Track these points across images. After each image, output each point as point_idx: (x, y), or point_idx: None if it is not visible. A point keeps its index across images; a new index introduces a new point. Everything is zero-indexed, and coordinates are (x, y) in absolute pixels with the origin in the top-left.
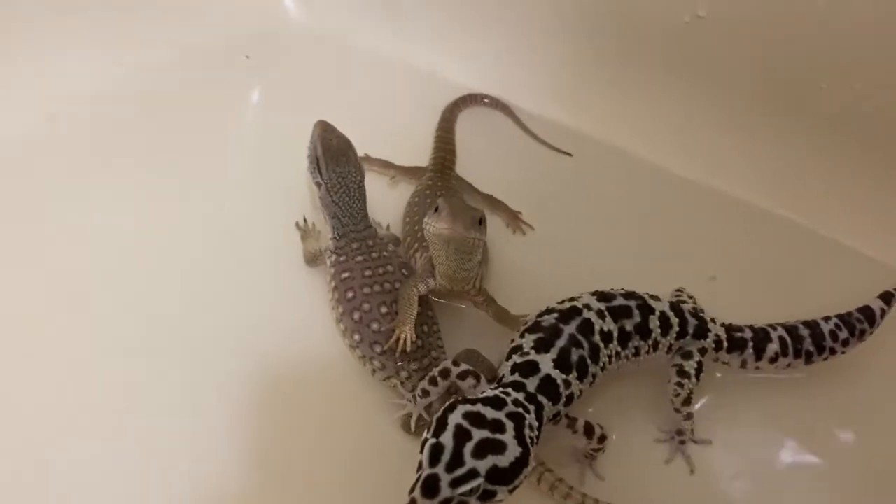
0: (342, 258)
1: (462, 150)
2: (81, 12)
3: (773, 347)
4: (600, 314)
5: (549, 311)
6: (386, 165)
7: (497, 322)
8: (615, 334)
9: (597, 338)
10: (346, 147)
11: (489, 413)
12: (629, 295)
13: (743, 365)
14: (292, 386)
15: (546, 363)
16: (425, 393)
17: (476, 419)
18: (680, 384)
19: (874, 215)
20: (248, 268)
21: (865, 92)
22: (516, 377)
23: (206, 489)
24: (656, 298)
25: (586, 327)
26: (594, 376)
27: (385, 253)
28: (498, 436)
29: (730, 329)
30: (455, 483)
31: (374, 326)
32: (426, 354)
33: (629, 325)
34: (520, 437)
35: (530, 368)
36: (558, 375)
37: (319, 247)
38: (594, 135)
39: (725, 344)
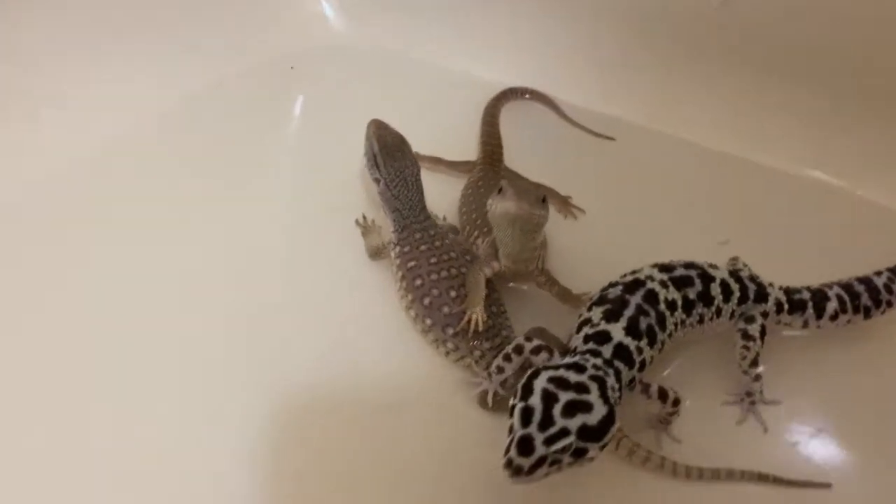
0: (406, 249)
1: (507, 143)
2: (137, 37)
3: (833, 305)
4: (663, 284)
5: (613, 284)
6: (436, 161)
7: (560, 301)
8: (679, 303)
9: (662, 306)
10: (400, 142)
11: (572, 377)
12: (689, 265)
13: (805, 325)
14: (370, 375)
15: (617, 331)
16: (500, 369)
17: (560, 383)
18: (746, 347)
19: None
20: (310, 268)
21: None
22: (591, 346)
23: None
24: (715, 267)
25: (651, 297)
26: (662, 343)
27: (447, 241)
28: (584, 396)
29: (788, 291)
30: (548, 441)
31: (445, 310)
32: (497, 334)
33: (692, 294)
34: (605, 398)
35: (603, 337)
36: (630, 342)
37: (381, 241)
38: (634, 120)
39: (786, 306)
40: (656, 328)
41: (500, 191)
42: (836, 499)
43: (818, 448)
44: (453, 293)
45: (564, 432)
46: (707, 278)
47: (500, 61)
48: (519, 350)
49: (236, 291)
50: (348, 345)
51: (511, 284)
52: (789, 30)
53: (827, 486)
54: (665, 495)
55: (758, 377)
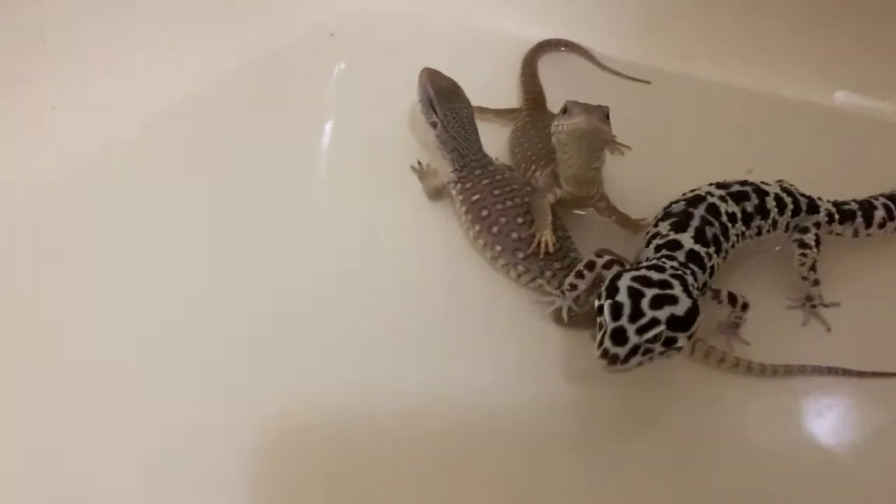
0: (468, 185)
1: (548, 93)
2: (174, 14)
3: (880, 213)
4: (722, 199)
5: (675, 201)
6: (482, 111)
7: (620, 226)
8: (739, 215)
9: (724, 217)
10: (454, 86)
11: (654, 275)
12: (743, 182)
13: (855, 234)
14: (445, 306)
15: (687, 240)
16: (573, 287)
17: (644, 281)
18: (803, 254)
19: None
20: (368, 219)
21: None
22: (664, 252)
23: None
24: (767, 184)
25: (713, 210)
26: (727, 252)
27: (506, 175)
28: (668, 291)
29: (837, 203)
30: (640, 331)
31: (514, 235)
32: (566, 255)
33: (749, 207)
34: (688, 292)
35: (675, 245)
36: (700, 248)
37: (440, 181)
38: (666, 66)
39: (837, 216)
40: (721, 237)
41: (565, 111)
42: None
43: (881, 343)
44: (520, 219)
45: (655, 322)
46: (762, 193)
47: (532, 15)
48: (591, 266)
49: (296, 250)
50: (415, 280)
51: (575, 211)
52: None
53: (894, 375)
54: (741, 392)
55: (816, 282)
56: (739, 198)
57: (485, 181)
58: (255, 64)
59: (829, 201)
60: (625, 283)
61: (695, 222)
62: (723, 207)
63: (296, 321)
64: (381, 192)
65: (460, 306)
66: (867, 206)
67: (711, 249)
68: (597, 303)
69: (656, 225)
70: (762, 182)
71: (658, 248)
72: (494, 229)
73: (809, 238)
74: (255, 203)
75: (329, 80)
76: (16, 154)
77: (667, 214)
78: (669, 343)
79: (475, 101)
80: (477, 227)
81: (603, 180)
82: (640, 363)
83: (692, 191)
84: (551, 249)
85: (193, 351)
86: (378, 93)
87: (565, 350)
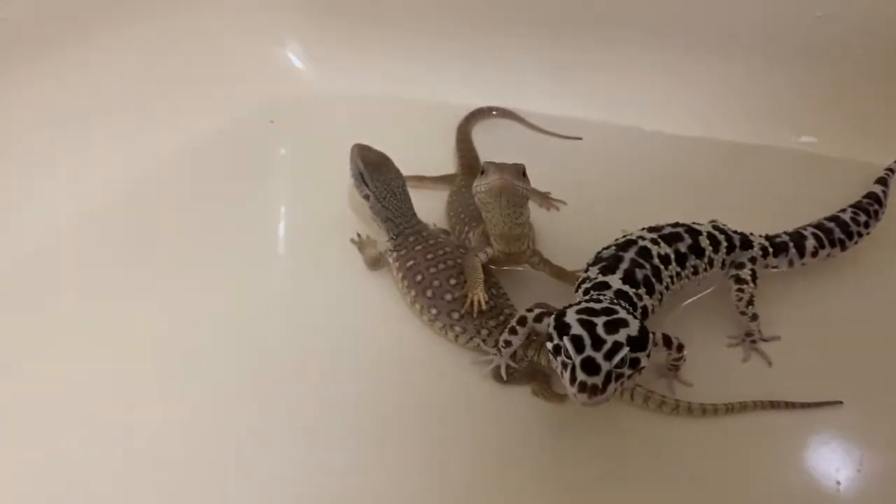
0: (402, 252)
1: (483, 157)
2: (114, 105)
3: (811, 243)
4: (654, 241)
5: (606, 247)
6: (419, 179)
7: (556, 279)
8: (672, 257)
9: (656, 260)
10: (383, 159)
11: (596, 305)
12: (675, 224)
13: (790, 264)
14: (388, 372)
15: (615, 281)
16: (507, 343)
17: (589, 311)
18: (740, 290)
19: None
20: (313, 287)
21: None
22: (592, 294)
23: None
24: (699, 224)
25: (644, 252)
26: (661, 294)
27: (440, 239)
28: (615, 316)
29: (769, 237)
30: (608, 356)
31: (448, 297)
32: (500, 312)
33: (683, 248)
34: (632, 314)
35: (603, 286)
36: (629, 289)
37: (378, 251)
38: (595, 118)
39: (770, 249)
40: (653, 279)
41: (482, 172)
42: (847, 415)
43: (823, 372)
44: (453, 281)
45: (618, 345)
46: (694, 232)
47: (462, 86)
48: (523, 321)
49: (244, 336)
50: (360, 349)
51: (506, 268)
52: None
53: (838, 403)
54: (684, 433)
55: (755, 317)
56: (672, 239)
57: (418, 247)
58: (195, 152)
59: (761, 236)
60: (572, 317)
61: (624, 265)
62: (654, 250)
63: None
64: (323, 265)
65: (404, 371)
66: (798, 237)
67: (641, 290)
68: (549, 345)
69: (587, 270)
70: (694, 223)
71: (587, 291)
72: (429, 293)
73: (745, 273)
74: (195, 288)
75: (271, 163)
76: None
77: (597, 259)
78: (634, 364)
79: (413, 169)
80: (413, 292)
81: (533, 235)
82: (616, 390)
83: (624, 236)
84: (484, 307)
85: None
86: (318, 172)
87: (511, 407)
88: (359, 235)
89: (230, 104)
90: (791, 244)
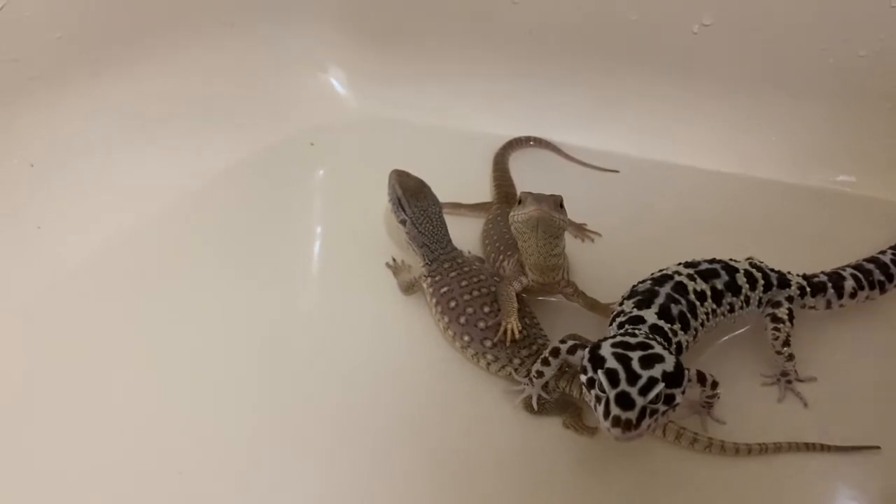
0: (437, 278)
1: (519, 187)
2: (158, 127)
3: (850, 284)
4: (691, 277)
5: (642, 281)
6: (455, 206)
7: (589, 310)
8: (708, 293)
9: (692, 296)
10: (421, 185)
11: (631, 340)
12: (712, 260)
13: (828, 306)
14: (416, 398)
15: (650, 315)
16: (539, 374)
17: (624, 346)
18: (777, 328)
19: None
20: (349, 302)
21: None
22: (627, 328)
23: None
24: (735, 261)
25: (680, 288)
26: (696, 330)
27: (474, 266)
28: (650, 351)
29: (807, 277)
30: (643, 391)
31: (481, 325)
32: (533, 342)
33: (719, 284)
34: (668, 350)
35: (637, 320)
36: (664, 324)
37: (412, 276)
38: (634, 152)
39: (808, 289)
40: (688, 315)
41: (519, 202)
42: (884, 460)
43: (860, 415)
44: (486, 308)
45: (653, 380)
46: (731, 269)
47: (500, 116)
48: (556, 353)
49: (276, 354)
50: (390, 373)
51: (540, 297)
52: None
53: (875, 448)
54: (716, 472)
55: (791, 357)
56: (708, 276)
57: (452, 273)
58: (239, 172)
59: (798, 275)
60: (607, 350)
61: (659, 300)
62: (690, 286)
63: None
64: (357, 286)
65: (432, 397)
66: (836, 278)
67: (676, 326)
68: (583, 377)
69: (621, 304)
70: (731, 259)
71: (621, 325)
72: (462, 319)
73: (782, 312)
74: (230, 306)
75: (309, 186)
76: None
77: (632, 293)
78: (669, 401)
79: (450, 197)
80: (446, 318)
81: (568, 267)
82: (650, 427)
83: (660, 270)
84: (517, 336)
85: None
86: (355, 195)
87: (541, 438)
88: (394, 260)
89: (273, 127)
90: (829, 284)
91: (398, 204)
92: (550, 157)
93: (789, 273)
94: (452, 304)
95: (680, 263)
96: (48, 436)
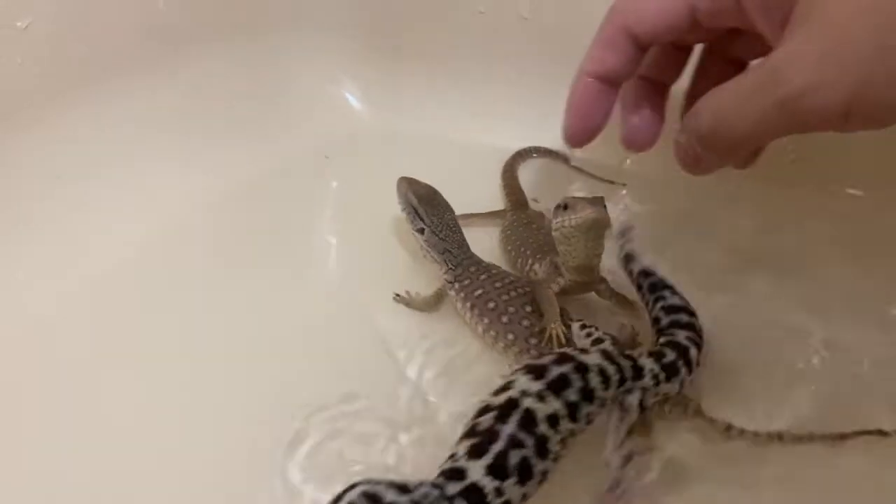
0: (466, 282)
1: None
2: (174, 139)
3: (693, 352)
4: (539, 397)
5: (485, 409)
6: (466, 217)
7: (618, 307)
8: (562, 412)
9: (542, 427)
10: (433, 191)
11: (389, 496)
12: (560, 360)
13: (681, 386)
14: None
15: (476, 471)
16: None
17: (372, 499)
18: (621, 419)
19: None
20: (360, 318)
21: None
22: (439, 480)
23: None
24: (585, 351)
25: (527, 422)
26: (544, 473)
27: (500, 269)
28: None
29: (657, 357)
30: None
31: (525, 323)
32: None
33: (573, 395)
34: None
35: (457, 475)
36: (489, 483)
37: (431, 292)
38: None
39: (662, 375)
40: (533, 459)
41: (564, 207)
42: None
43: None
44: (528, 308)
45: None
46: (582, 369)
47: (511, 128)
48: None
49: (283, 368)
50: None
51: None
52: None
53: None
54: None
55: (629, 457)
56: (559, 387)
57: (483, 276)
58: (254, 183)
59: (648, 355)
60: (350, 496)
61: (497, 446)
62: (541, 412)
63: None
64: (376, 301)
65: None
66: (680, 349)
67: (509, 482)
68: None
69: (460, 441)
70: (579, 351)
71: (442, 473)
72: (504, 318)
73: (631, 402)
74: (244, 318)
75: (325, 196)
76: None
77: (472, 430)
78: None
79: (461, 209)
80: (486, 320)
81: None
82: None
83: (505, 386)
84: (563, 341)
85: None
86: (369, 206)
87: None
88: (398, 294)
89: (288, 139)
90: (680, 362)
91: (414, 213)
92: (558, 170)
93: (640, 356)
94: (491, 304)
95: (527, 372)
96: (64, 448)
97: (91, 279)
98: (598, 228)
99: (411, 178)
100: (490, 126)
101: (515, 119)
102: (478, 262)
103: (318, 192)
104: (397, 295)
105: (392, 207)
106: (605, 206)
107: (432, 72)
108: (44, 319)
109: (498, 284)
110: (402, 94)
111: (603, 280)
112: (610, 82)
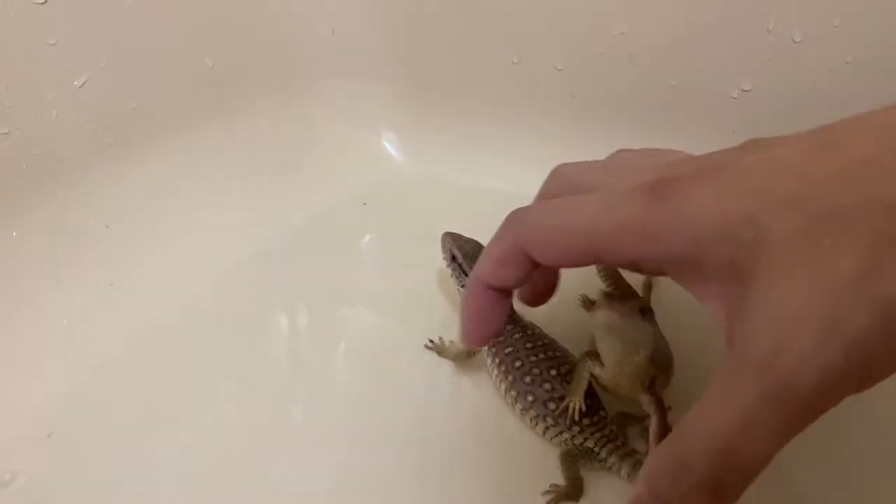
0: (500, 339)
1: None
2: (213, 192)
3: None
4: None
5: None
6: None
7: (654, 434)
8: None
9: None
10: (479, 247)
11: None
12: None
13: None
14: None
15: None
16: None
17: None
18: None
19: None
20: (402, 387)
21: None
22: None
23: None
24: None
25: None
26: None
27: (536, 329)
28: None
29: None
30: None
31: (546, 387)
32: (595, 412)
33: None
34: None
35: None
36: None
37: (461, 345)
38: None
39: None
40: None
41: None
42: None
43: None
44: (553, 372)
45: None
46: None
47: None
48: None
49: (314, 415)
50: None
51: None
52: None
53: None
54: None
55: None
56: None
57: (516, 335)
58: (295, 230)
59: None
60: None
61: None
62: None
63: None
64: (412, 358)
65: (497, 470)
66: None
67: None
68: None
69: None
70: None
71: None
72: (527, 379)
73: None
74: (282, 367)
75: (362, 243)
76: (79, 328)
77: None
78: None
79: None
80: (510, 378)
81: (661, 381)
82: None
83: None
84: (576, 417)
85: None
86: (407, 252)
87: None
88: (431, 341)
89: (327, 186)
90: None
91: (459, 269)
92: None
93: None
94: (518, 363)
95: None
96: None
97: (148, 326)
98: (618, 333)
99: (456, 234)
100: (533, 175)
101: (550, 169)
102: (515, 320)
103: (356, 239)
104: (431, 341)
105: (430, 253)
106: (637, 311)
107: (468, 120)
108: (96, 368)
109: (529, 345)
110: (439, 142)
111: (649, 391)
112: (505, 292)
